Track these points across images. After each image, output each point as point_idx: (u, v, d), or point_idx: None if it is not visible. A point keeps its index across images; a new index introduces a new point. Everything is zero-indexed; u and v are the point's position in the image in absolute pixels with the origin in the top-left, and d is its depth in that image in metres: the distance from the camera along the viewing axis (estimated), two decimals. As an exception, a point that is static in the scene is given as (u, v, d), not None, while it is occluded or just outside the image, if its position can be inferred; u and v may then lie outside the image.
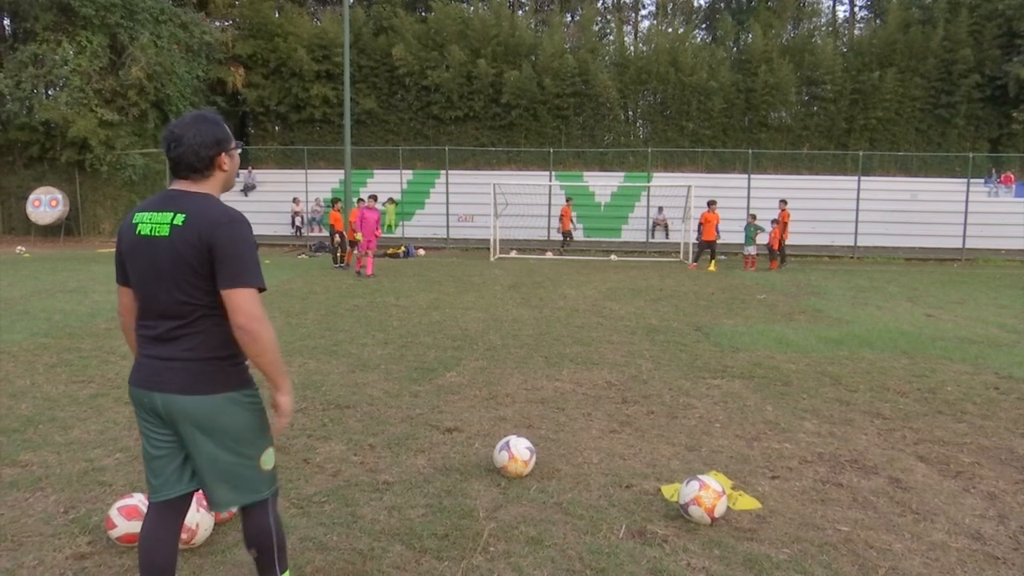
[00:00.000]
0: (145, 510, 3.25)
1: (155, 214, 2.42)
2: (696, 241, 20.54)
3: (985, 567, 3.25)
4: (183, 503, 2.63)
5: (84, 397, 5.78)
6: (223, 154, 2.51)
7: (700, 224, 19.90)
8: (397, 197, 27.14)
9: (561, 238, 24.26)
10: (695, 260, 20.18)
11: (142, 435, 2.56)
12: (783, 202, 19.92)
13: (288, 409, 2.56)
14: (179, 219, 2.37)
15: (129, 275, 2.51)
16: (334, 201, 19.45)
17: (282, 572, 2.73)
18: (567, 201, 24.39)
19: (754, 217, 19.93)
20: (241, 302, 2.33)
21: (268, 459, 2.59)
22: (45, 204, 26.66)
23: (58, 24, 25.89)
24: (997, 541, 3.51)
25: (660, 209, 26.44)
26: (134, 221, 2.47)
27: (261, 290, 2.41)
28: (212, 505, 2.58)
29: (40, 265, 17.50)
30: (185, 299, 2.39)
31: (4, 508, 3.71)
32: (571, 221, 24.16)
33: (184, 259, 2.35)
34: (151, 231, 2.40)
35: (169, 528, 2.60)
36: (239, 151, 2.60)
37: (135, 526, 3.26)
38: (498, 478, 4.18)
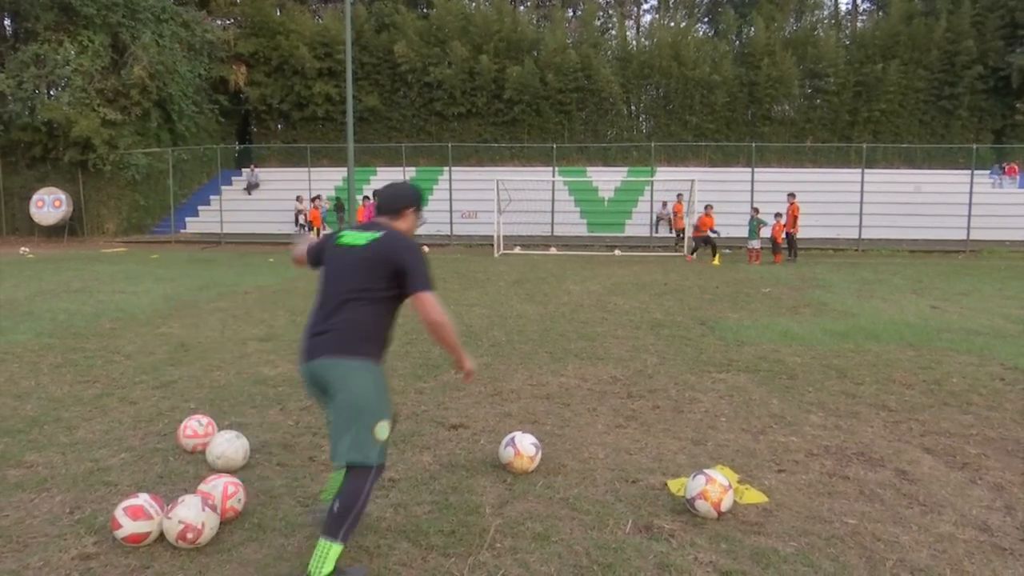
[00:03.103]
0: (150, 510, 3.28)
1: (358, 233, 3.27)
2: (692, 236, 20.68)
3: (993, 558, 3.24)
4: None
5: (89, 397, 5.78)
6: (411, 208, 3.40)
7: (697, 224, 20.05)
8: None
9: (675, 235, 23.81)
10: (691, 252, 20.27)
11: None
12: (791, 195, 19.82)
13: (471, 370, 3.41)
14: (374, 237, 3.20)
15: (323, 271, 3.30)
16: (314, 198, 19.34)
17: (342, 542, 2.92)
18: (678, 198, 23.67)
19: (757, 211, 19.84)
20: (426, 301, 3.11)
21: (382, 430, 3.05)
22: (48, 204, 26.69)
23: (59, 24, 25.91)
24: (1004, 532, 3.49)
25: (664, 204, 26.39)
26: (339, 235, 3.36)
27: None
28: (333, 457, 3.05)
29: (44, 266, 17.53)
30: (359, 287, 3.11)
31: (10, 509, 3.72)
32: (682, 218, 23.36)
33: (371, 262, 3.13)
34: (351, 241, 3.24)
35: None
36: (421, 215, 3.49)
37: (140, 526, 3.26)
38: (504, 474, 4.17)
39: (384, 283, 3.12)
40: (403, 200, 3.38)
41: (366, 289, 3.11)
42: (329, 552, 2.87)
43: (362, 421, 2.99)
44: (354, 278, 3.13)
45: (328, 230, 19.27)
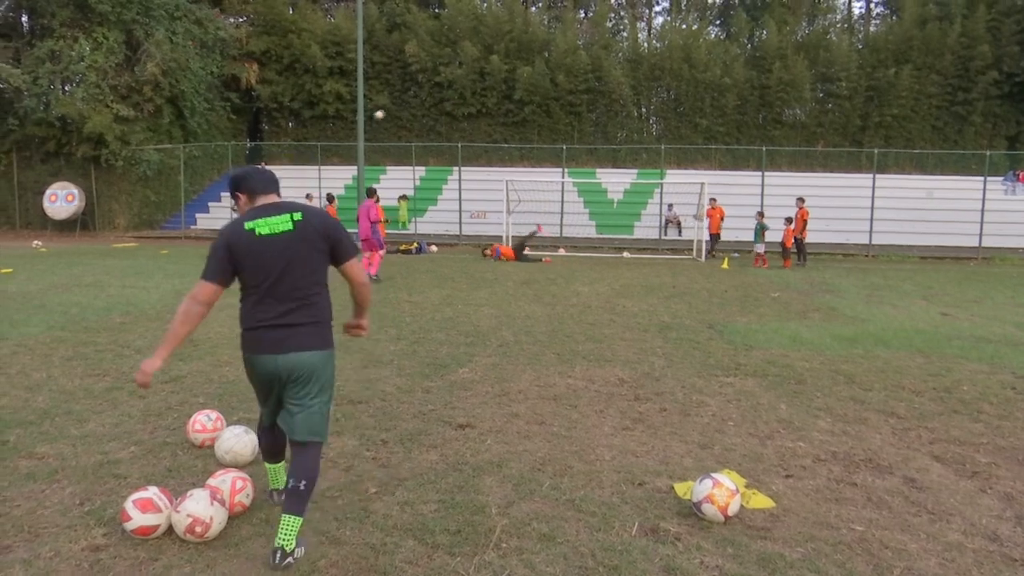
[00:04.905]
0: (159, 503, 3.30)
1: (274, 218, 3.20)
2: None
3: (1002, 568, 3.22)
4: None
5: (100, 390, 5.82)
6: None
7: None
8: (410, 193, 27.17)
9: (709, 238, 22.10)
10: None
11: (264, 400, 3.51)
12: (800, 200, 19.75)
13: (367, 326, 3.87)
14: (298, 217, 3.22)
15: (247, 268, 3.20)
16: (331, 198, 19.44)
17: (303, 515, 3.17)
18: (711, 202, 22.04)
19: (762, 215, 19.87)
20: (359, 266, 3.49)
21: (330, 407, 3.39)
22: (61, 199, 26.88)
23: (75, 20, 26.08)
24: (1014, 542, 3.47)
25: (670, 206, 26.35)
26: (248, 227, 3.18)
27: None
28: (293, 434, 3.25)
29: (56, 259, 17.65)
30: (311, 271, 3.27)
31: (21, 499, 3.75)
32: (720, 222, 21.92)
33: (311, 242, 3.23)
34: (275, 229, 3.18)
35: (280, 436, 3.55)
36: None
37: (150, 519, 3.29)
38: (510, 475, 4.17)
39: (327, 258, 3.32)
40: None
41: (316, 271, 3.29)
42: (298, 525, 3.13)
43: (324, 404, 3.34)
44: (305, 262, 3.23)
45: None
